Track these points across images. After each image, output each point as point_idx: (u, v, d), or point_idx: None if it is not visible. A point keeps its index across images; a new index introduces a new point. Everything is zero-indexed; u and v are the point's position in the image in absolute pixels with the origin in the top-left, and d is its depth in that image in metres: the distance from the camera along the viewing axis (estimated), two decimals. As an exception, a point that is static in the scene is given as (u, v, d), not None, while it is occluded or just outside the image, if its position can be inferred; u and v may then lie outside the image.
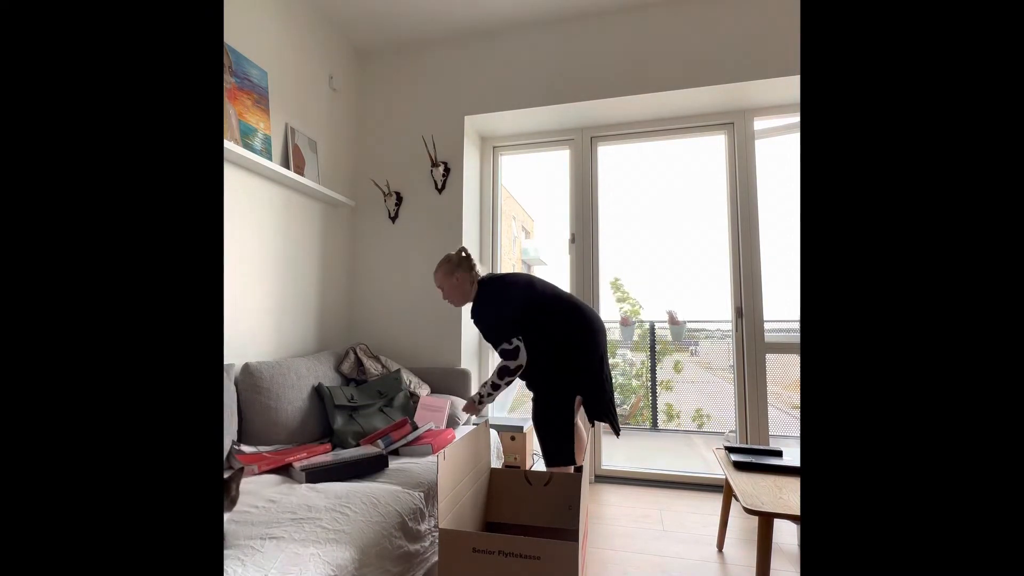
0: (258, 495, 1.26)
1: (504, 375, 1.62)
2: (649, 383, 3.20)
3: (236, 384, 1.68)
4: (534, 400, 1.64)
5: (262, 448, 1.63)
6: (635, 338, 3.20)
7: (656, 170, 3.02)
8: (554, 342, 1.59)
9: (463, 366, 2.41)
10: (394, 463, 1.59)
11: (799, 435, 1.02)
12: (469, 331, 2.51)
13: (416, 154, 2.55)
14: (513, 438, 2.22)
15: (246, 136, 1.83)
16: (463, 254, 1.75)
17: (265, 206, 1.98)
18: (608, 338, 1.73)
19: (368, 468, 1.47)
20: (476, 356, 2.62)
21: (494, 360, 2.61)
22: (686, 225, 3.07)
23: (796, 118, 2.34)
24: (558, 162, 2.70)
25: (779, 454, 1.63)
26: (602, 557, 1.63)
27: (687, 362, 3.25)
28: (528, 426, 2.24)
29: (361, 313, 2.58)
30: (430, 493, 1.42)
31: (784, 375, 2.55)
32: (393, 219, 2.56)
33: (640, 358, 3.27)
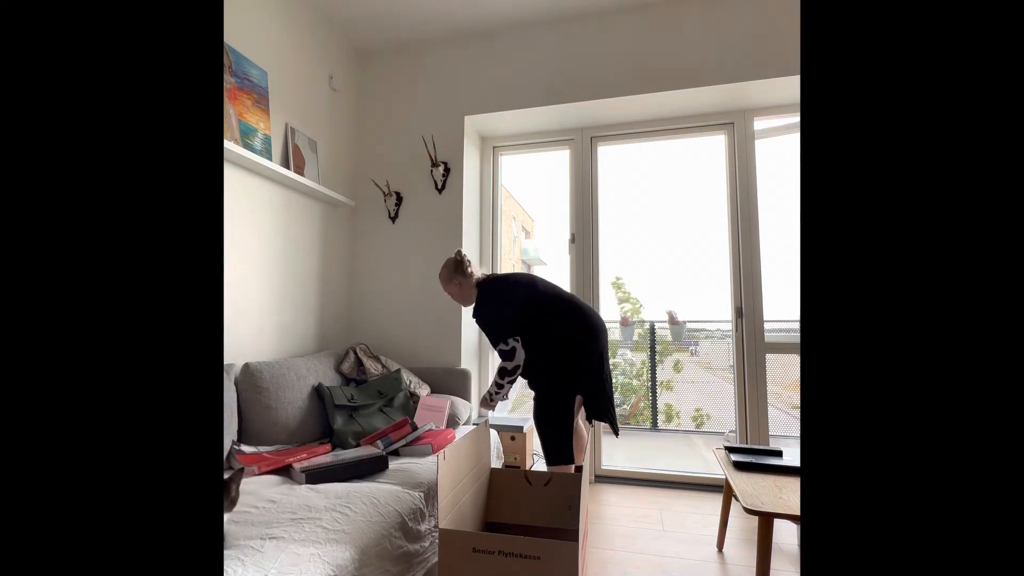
0: (258, 495, 1.26)
1: (503, 375, 1.66)
2: (649, 383, 3.19)
3: (236, 384, 1.68)
4: (535, 399, 1.64)
5: (262, 448, 1.63)
6: (635, 338, 3.20)
7: (656, 170, 3.02)
8: (554, 342, 1.60)
9: (463, 366, 2.41)
10: (394, 463, 1.59)
11: (799, 435, 1.02)
12: (469, 331, 2.51)
13: (416, 154, 2.55)
14: (513, 438, 2.22)
15: (246, 136, 1.83)
16: (457, 257, 1.77)
17: (265, 206, 1.98)
18: (608, 338, 1.74)
19: (368, 469, 1.47)
20: (476, 356, 2.62)
21: (494, 360, 2.62)
22: (686, 225, 3.07)
23: (796, 118, 2.34)
24: (558, 162, 2.70)
25: (779, 454, 1.63)
26: (602, 557, 1.63)
27: (687, 362, 3.25)
28: (528, 426, 2.25)
29: (361, 313, 2.58)
30: (430, 493, 1.42)
31: (784, 375, 2.55)
32: (393, 219, 2.56)
33: (640, 358, 3.27)
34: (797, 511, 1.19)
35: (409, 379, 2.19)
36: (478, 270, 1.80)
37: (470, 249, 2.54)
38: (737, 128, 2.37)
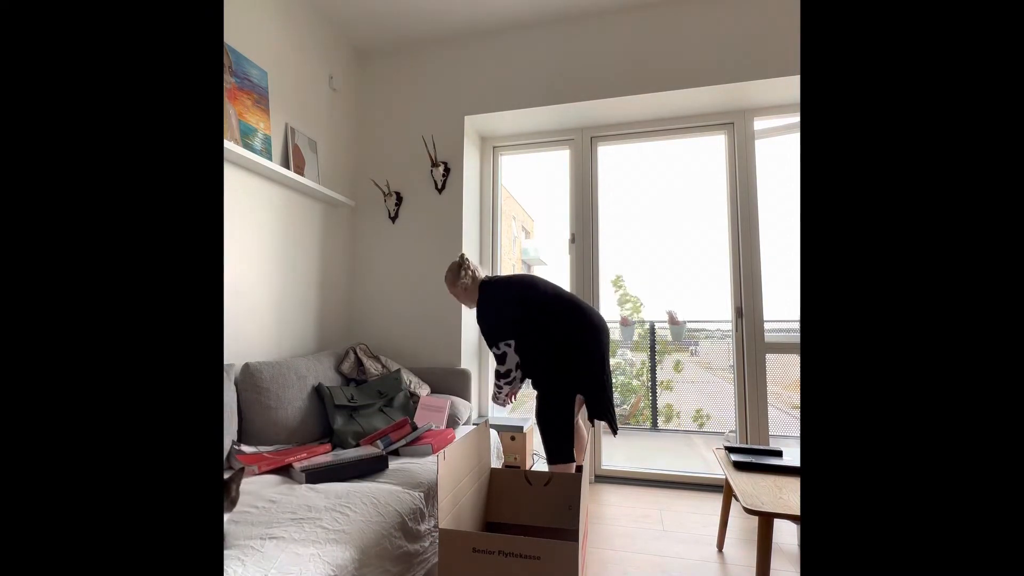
0: (258, 495, 1.26)
1: (497, 377, 1.72)
2: (649, 383, 3.19)
3: (236, 384, 1.68)
4: (537, 398, 1.66)
5: (262, 448, 1.63)
6: (635, 338, 3.20)
7: (656, 170, 3.02)
8: (554, 341, 1.60)
9: (463, 366, 2.41)
10: (394, 463, 1.59)
11: (799, 435, 1.02)
12: (469, 331, 2.51)
13: (416, 154, 2.55)
14: (513, 438, 2.22)
15: (246, 136, 1.83)
16: (460, 260, 1.82)
17: (265, 206, 1.98)
18: (610, 337, 1.74)
19: (368, 469, 1.47)
20: (476, 356, 2.62)
21: (494, 360, 2.62)
22: (686, 225, 3.07)
23: (796, 118, 2.34)
24: (558, 162, 2.70)
25: (779, 454, 1.63)
26: (602, 557, 1.63)
27: (687, 362, 3.25)
28: (528, 426, 2.25)
29: (361, 313, 2.58)
30: (430, 493, 1.42)
31: (784, 375, 2.55)
32: (393, 219, 2.56)
33: (640, 358, 3.27)
34: (797, 511, 1.19)
35: (409, 379, 2.19)
36: (481, 272, 1.81)
37: (470, 249, 2.54)
38: (737, 128, 2.37)
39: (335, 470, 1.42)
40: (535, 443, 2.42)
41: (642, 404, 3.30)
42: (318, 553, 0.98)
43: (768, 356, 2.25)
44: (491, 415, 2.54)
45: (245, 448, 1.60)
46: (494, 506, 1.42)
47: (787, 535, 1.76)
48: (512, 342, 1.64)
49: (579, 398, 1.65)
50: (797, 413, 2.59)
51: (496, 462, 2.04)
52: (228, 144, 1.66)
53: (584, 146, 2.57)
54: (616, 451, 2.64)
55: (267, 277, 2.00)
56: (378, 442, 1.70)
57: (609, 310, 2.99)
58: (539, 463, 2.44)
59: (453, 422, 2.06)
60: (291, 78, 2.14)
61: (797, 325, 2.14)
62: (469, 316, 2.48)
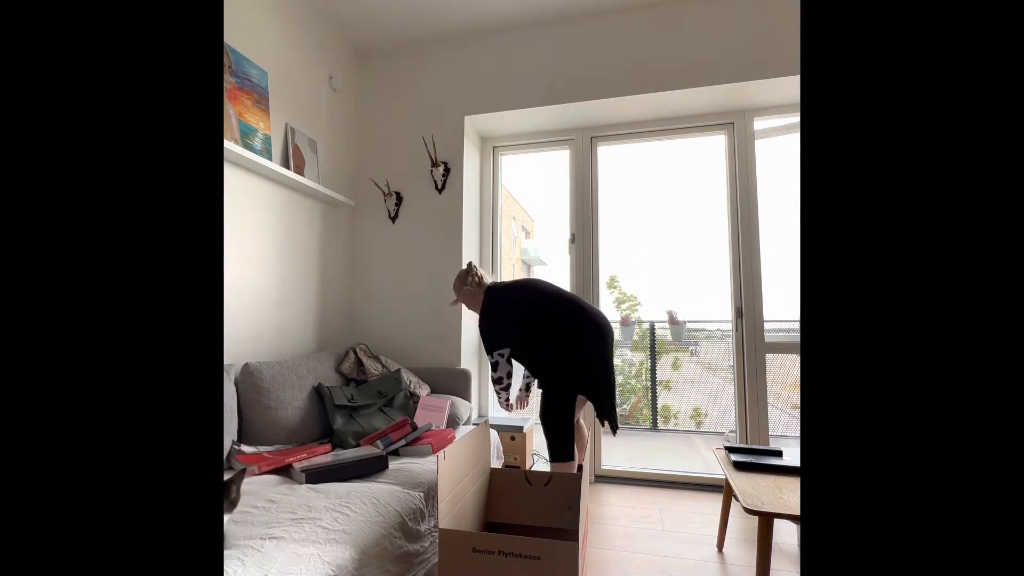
0: (258, 495, 1.26)
1: (494, 384, 1.74)
2: (649, 383, 3.20)
3: (236, 384, 1.68)
4: (541, 398, 1.67)
5: (262, 448, 1.63)
6: (635, 338, 3.20)
7: (656, 170, 3.02)
8: (554, 342, 1.60)
9: (463, 366, 2.41)
10: (394, 463, 1.59)
11: (799, 435, 1.02)
12: (469, 331, 2.51)
13: (416, 154, 2.55)
14: (513, 438, 2.22)
15: (246, 136, 1.83)
16: (466, 267, 1.85)
17: (265, 206, 1.98)
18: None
19: (368, 469, 1.47)
20: (476, 356, 2.62)
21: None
22: (686, 225, 3.07)
23: (796, 118, 2.34)
24: (558, 162, 2.70)
25: (779, 454, 1.63)
26: (602, 557, 1.63)
27: (687, 362, 3.25)
28: (528, 426, 2.25)
29: (361, 313, 2.58)
30: (430, 493, 1.42)
31: (784, 375, 2.55)
32: (393, 219, 2.56)
33: (640, 358, 3.27)
34: (797, 511, 1.19)
35: (409, 379, 2.19)
36: (488, 278, 1.82)
37: (470, 249, 2.55)
38: (737, 128, 2.37)
39: (335, 470, 1.42)
40: (535, 443, 2.42)
41: (642, 404, 3.30)
42: (318, 553, 0.98)
43: (768, 356, 2.26)
44: (491, 415, 2.55)
45: (245, 448, 1.60)
46: (494, 506, 1.42)
47: (787, 535, 1.76)
48: (506, 351, 1.66)
49: (581, 398, 1.65)
50: (797, 413, 2.59)
51: (496, 462, 2.04)
52: (228, 144, 1.66)
53: (584, 146, 2.57)
54: (616, 451, 2.64)
55: (267, 277, 2.00)
56: (378, 442, 1.70)
57: (609, 310, 2.99)
58: (539, 463, 2.44)
59: (453, 422, 2.06)
60: (291, 78, 2.14)
61: (797, 325, 2.14)
62: (469, 316, 2.48)
